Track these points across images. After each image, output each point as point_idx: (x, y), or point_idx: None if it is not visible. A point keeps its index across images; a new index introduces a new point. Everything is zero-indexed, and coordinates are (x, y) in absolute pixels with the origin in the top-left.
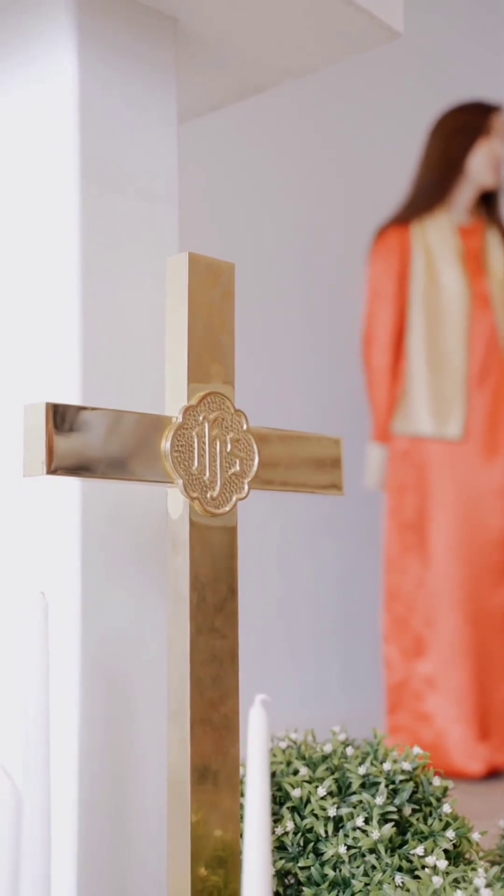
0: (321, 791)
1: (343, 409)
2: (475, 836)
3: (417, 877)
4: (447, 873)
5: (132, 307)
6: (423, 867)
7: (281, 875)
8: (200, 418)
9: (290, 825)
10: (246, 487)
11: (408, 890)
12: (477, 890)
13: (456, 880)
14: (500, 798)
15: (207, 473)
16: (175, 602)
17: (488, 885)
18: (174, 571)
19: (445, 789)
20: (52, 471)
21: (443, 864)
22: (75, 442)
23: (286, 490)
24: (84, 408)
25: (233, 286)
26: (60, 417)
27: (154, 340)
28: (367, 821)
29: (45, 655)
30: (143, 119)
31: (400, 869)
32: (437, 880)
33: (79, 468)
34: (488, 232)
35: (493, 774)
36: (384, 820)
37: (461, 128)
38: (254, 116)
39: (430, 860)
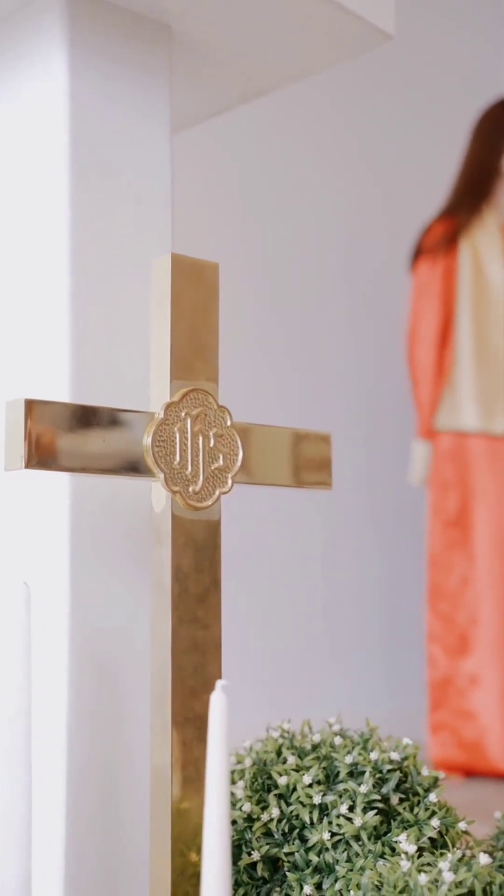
0: (307, 779)
1: (389, 406)
2: (461, 825)
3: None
4: (417, 856)
5: (121, 308)
6: (402, 854)
7: (267, 861)
8: (182, 414)
9: (276, 812)
10: (230, 482)
11: (380, 874)
12: (440, 872)
13: (424, 864)
14: None
15: (189, 468)
16: (158, 592)
17: (451, 870)
18: (157, 563)
19: (435, 780)
20: (29, 465)
21: (412, 848)
22: (55, 437)
23: (272, 485)
24: (63, 404)
25: (217, 285)
26: (39, 413)
27: (143, 339)
28: (351, 808)
29: (27, 644)
30: (136, 126)
31: (383, 856)
32: (406, 864)
33: (58, 464)
34: None
35: None
36: (369, 808)
37: (494, 126)
38: (293, 120)
39: (403, 846)
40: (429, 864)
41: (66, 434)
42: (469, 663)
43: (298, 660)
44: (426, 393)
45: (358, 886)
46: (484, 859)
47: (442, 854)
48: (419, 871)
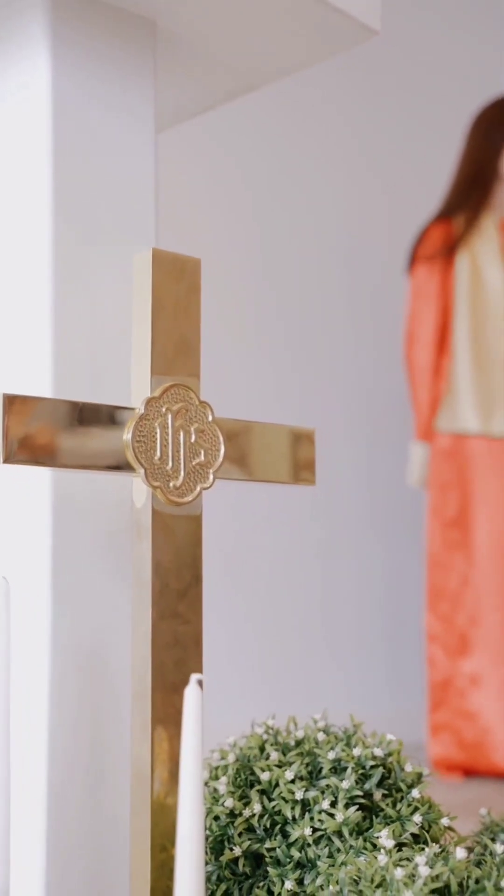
0: (289, 775)
1: (389, 407)
2: (444, 821)
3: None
4: (395, 851)
5: (103, 303)
6: (381, 849)
7: (249, 856)
8: (163, 409)
9: (257, 807)
10: (211, 477)
11: (359, 870)
12: (416, 867)
13: (401, 859)
14: None
15: (170, 463)
16: (138, 588)
17: (428, 864)
18: (138, 558)
19: (419, 776)
20: (8, 461)
21: (390, 843)
22: (34, 432)
23: (255, 480)
24: (43, 399)
25: (198, 281)
26: (19, 408)
27: (124, 334)
28: (333, 804)
29: (6, 639)
30: (120, 122)
31: (364, 851)
32: (383, 859)
33: (38, 458)
34: None
35: None
36: (351, 804)
37: (490, 126)
38: (294, 119)
39: (382, 841)
40: (407, 859)
41: (46, 429)
42: (469, 664)
43: (298, 660)
44: (424, 395)
45: (336, 881)
46: (460, 853)
47: (422, 849)
48: (396, 866)
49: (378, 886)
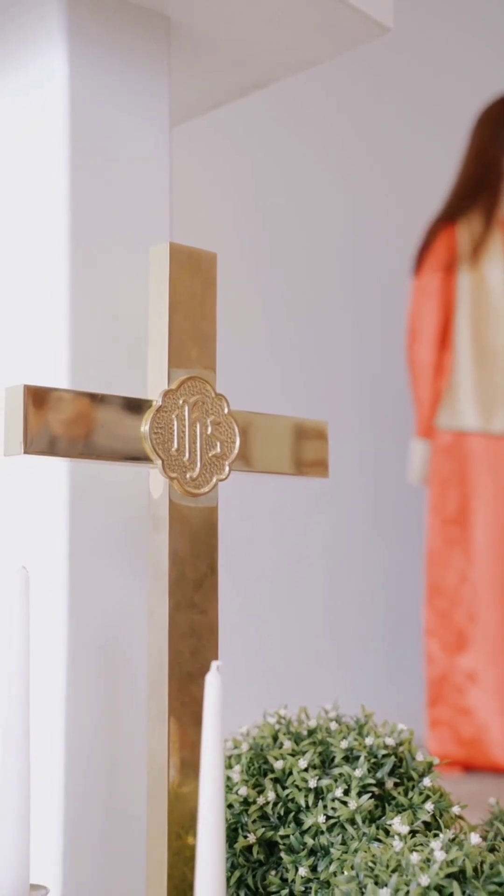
0: (303, 763)
1: (392, 404)
2: (455, 809)
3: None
4: (410, 837)
5: (120, 296)
6: (395, 836)
7: (263, 843)
8: (180, 401)
9: (271, 795)
10: (227, 469)
11: (373, 855)
12: (432, 852)
13: (416, 844)
14: None
15: (187, 455)
16: (155, 578)
17: (443, 849)
18: (155, 548)
19: (430, 765)
20: (29, 451)
21: (405, 829)
22: (53, 423)
23: (270, 473)
24: (62, 390)
25: (214, 274)
26: (39, 400)
27: (141, 327)
28: (346, 792)
29: (26, 628)
30: (135, 117)
31: (377, 839)
32: (398, 844)
33: (57, 449)
34: None
35: None
36: (364, 792)
37: (495, 124)
38: (300, 115)
39: (396, 827)
40: (421, 845)
41: (65, 420)
42: (466, 660)
43: (299, 655)
44: (425, 392)
45: (351, 867)
46: (475, 839)
47: (435, 835)
48: (411, 851)
49: (394, 871)
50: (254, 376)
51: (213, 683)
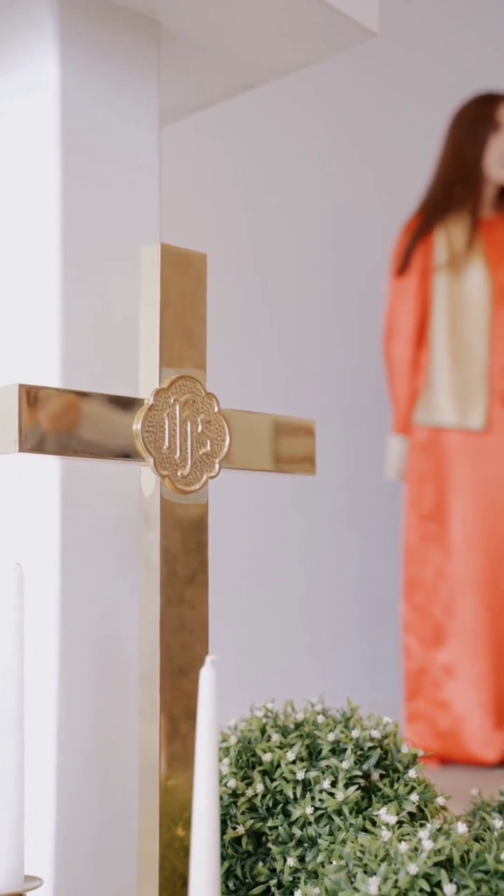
0: (290, 756)
1: (368, 400)
2: (440, 800)
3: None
4: (398, 827)
5: (110, 295)
6: (382, 826)
7: (251, 835)
8: (171, 400)
9: (260, 787)
10: (217, 466)
11: (362, 845)
12: (420, 841)
13: (404, 834)
14: None
15: (178, 453)
16: (147, 574)
17: (431, 838)
18: (146, 545)
19: (414, 757)
20: (24, 449)
21: (392, 819)
22: (47, 422)
23: (258, 471)
24: (56, 389)
25: (205, 275)
26: (33, 398)
27: (131, 326)
28: (333, 784)
29: (20, 624)
30: (125, 118)
31: (364, 829)
32: (387, 834)
33: (51, 448)
34: None
35: None
36: (350, 783)
37: (471, 124)
38: (283, 108)
39: (384, 817)
40: (408, 835)
41: (59, 419)
42: (444, 654)
43: (276, 651)
44: (402, 389)
45: (340, 856)
46: (461, 828)
47: (422, 825)
48: (399, 841)
49: (382, 861)
50: (233, 372)
51: (207, 677)
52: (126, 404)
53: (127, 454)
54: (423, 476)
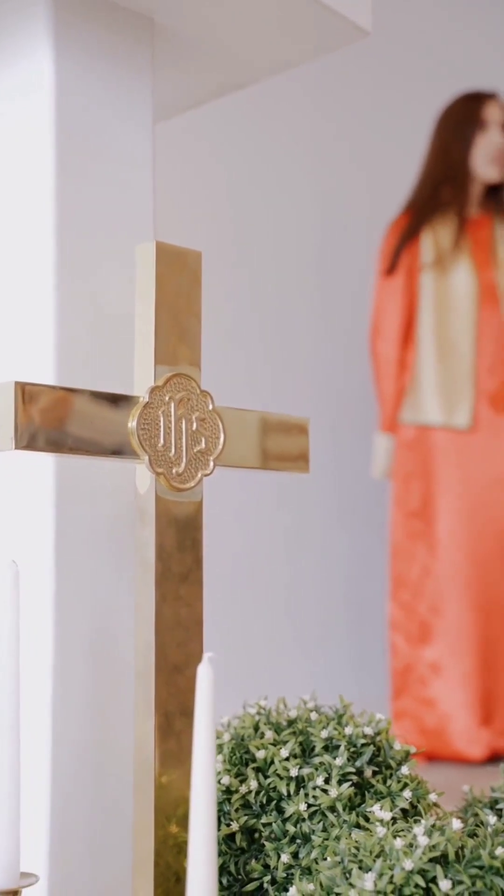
0: (284, 753)
1: (355, 398)
2: (432, 797)
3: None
4: (392, 824)
5: (104, 293)
6: (376, 822)
7: (245, 831)
8: (166, 398)
9: (254, 784)
10: (211, 464)
11: (357, 842)
12: (415, 837)
13: (399, 830)
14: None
15: (173, 450)
16: (142, 571)
17: (426, 834)
18: (141, 543)
19: (407, 753)
20: (19, 447)
21: (387, 815)
22: (43, 419)
23: (253, 468)
24: (52, 387)
25: (199, 273)
26: (29, 396)
27: (127, 324)
28: (327, 781)
29: (16, 622)
30: (120, 116)
31: (357, 826)
32: (381, 831)
33: (47, 445)
34: (496, 223)
35: (494, 759)
36: (344, 780)
37: (457, 123)
38: (272, 108)
39: (378, 814)
40: (403, 831)
41: (55, 416)
42: (430, 652)
43: (263, 648)
44: (389, 387)
45: (335, 852)
46: (456, 824)
47: (416, 821)
48: (395, 837)
49: (377, 857)
50: (220, 370)
51: (205, 675)
52: (121, 402)
53: (122, 452)
54: (410, 474)
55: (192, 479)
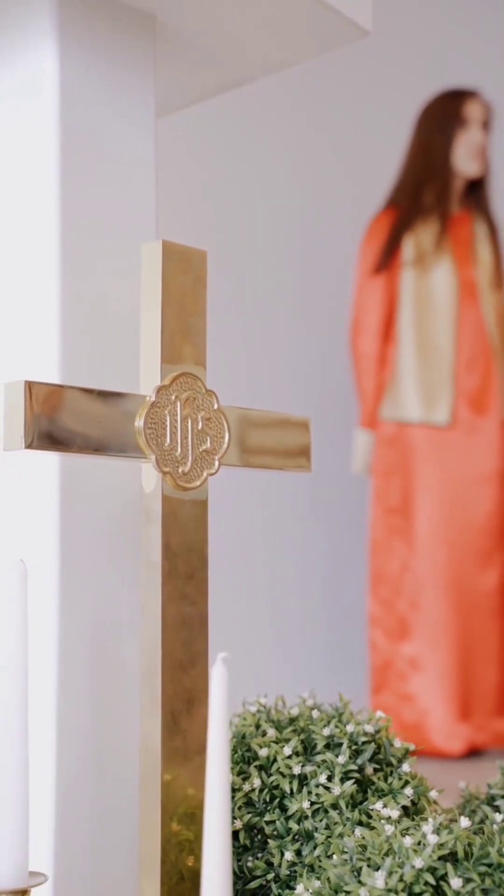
0: (287, 751)
1: (334, 395)
2: (433, 794)
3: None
4: (399, 822)
5: (109, 291)
6: (381, 820)
7: (248, 829)
8: (173, 397)
9: (257, 782)
10: (217, 463)
11: (363, 839)
12: (424, 835)
13: (407, 828)
14: (479, 775)
15: (179, 449)
16: (148, 570)
17: (435, 832)
18: (147, 542)
19: (406, 751)
20: (29, 446)
21: (395, 813)
22: (53, 418)
23: (257, 467)
24: (61, 386)
25: (205, 272)
26: (37, 395)
27: (131, 323)
28: (329, 778)
29: (24, 622)
30: (123, 113)
31: (360, 823)
32: (390, 829)
33: (56, 444)
34: (476, 220)
35: (472, 753)
36: (346, 778)
37: (438, 121)
38: (252, 106)
39: (384, 812)
40: (410, 829)
41: (64, 416)
42: (409, 647)
43: (242, 644)
44: (368, 383)
45: (343, 850)
46: (464, 822)
47: (423, 819)
48: (403, 835)
49: (386, 855)
50: None
51: (219, 675)
52: (128, 401)
53: (129, 451)
54: (389, 470)
55: (197, 478)
